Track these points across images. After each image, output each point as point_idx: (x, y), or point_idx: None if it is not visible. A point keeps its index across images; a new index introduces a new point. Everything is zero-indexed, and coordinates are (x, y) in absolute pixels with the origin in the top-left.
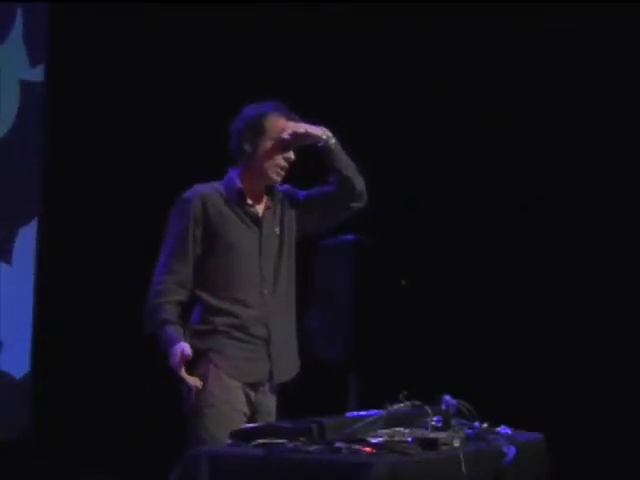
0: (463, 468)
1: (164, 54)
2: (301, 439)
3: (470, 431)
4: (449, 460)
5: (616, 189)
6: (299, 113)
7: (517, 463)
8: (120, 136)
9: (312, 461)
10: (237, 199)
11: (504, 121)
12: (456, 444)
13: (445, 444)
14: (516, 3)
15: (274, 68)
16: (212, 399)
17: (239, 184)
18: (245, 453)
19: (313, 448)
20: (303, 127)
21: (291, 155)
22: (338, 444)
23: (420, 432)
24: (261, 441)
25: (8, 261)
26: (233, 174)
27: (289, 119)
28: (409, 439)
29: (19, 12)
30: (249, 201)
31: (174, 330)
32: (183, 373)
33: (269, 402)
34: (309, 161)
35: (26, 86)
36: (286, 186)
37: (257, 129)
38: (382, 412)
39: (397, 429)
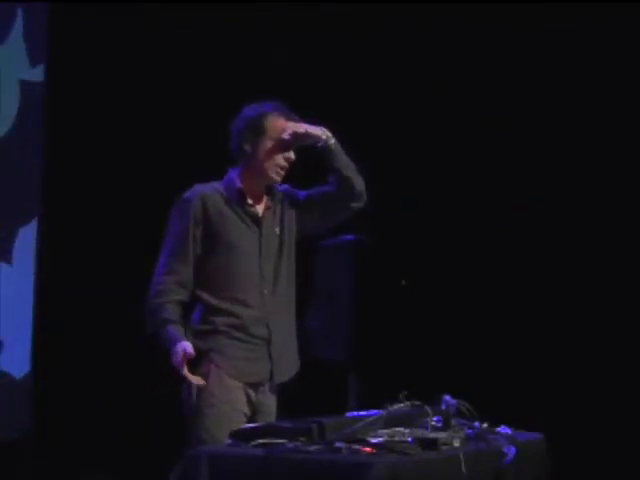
0: (463, 468)
1: (164, 54)
2: (301, 439)
3: (470, 431)
4: (449, 460)
5: (616, 189)
6: (299, 113)
7: (517, 463)
8: (120, 136)
9: (312, 461)
10: (237, 199)
11: (504, 121)
12: (456, 444)
13: (445, 444)
14: (516, 3)
15: (274, 68)
16: (213, 399)
17: (239, 184)
18: (245, 453)
19: (313, 448)
20: (303, 127)
21: (291, 155)
22: (338, 444)
23: (420, 432)
24: (261, 441)
25: (8, 261)
26: (233, 174)
27: (289, 119)
28: (409, 439)
29: (19, 12)
30: (249, 201)
31: (176, 329)
32: (185, 372)
33: (269, 402)
34: (309, 161)
35: (26, 86)
36: (285, 186)
37: (257, 129)
38: (382, 412)
39: (397, 429)
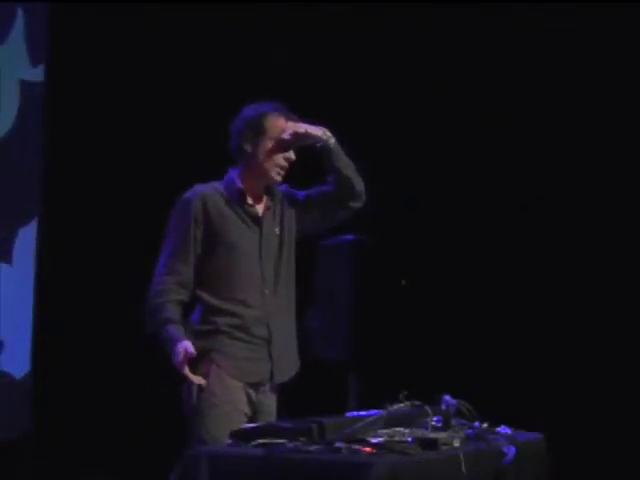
0: (463, 468)
1: (164, 54)
2: (301, 439)
3: (470, 431)
4: (449, 460)
5: (616, 189)
6: (299, 113)
7: (517, 463)
8: (120, 136)
9: (312, 461)
10: (238, 199)
11: (504, 121)
12: (456, 444)
13: (445, 444)
14: (516, 3)
15: (274, 68)
16: (214, 399)
17: (239, 184)
18: (245, 453)
19: (313, 448)
20: (303, 127)
21: (291, 155)
22: (338, 444)
23: (420, 432)
24: (261, 441)
25: (8, 261)
26: (233, 174)
27: (289, 119)
28: (409, 439)
29: (19, 12)
30: (249, 201)
31: (176, 329)
32: (186, 371)
33: (270, 402)
34: (309, 161)
35: (26, 86)
36: (285, 186)
37: (257, 129)
38: (382, 412)
39: (397, 429)
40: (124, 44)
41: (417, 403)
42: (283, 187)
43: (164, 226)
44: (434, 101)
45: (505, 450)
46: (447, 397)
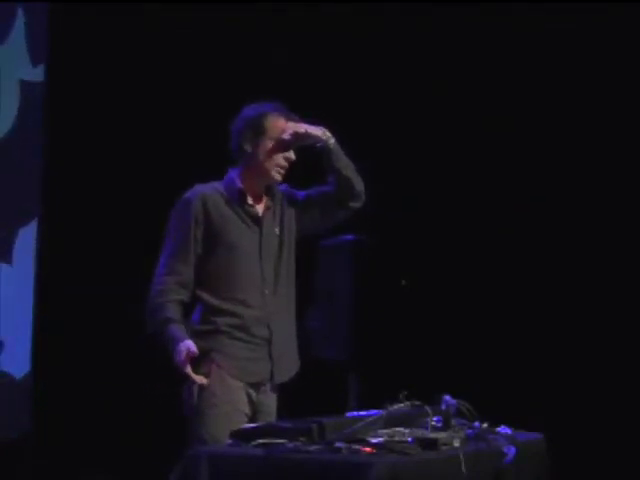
0: (463, 468)
1: (164, 54)
2: (301, 439)
3: (470, 431)
4: (449, 460)
5: (616, 189)
6: (299, 113)
7: (517, 463)
8: (120, 136)
9: (312, 461)
10: (238, 199)
11: (504, 121)
12: (456, 444)
13: (445, 444)
14: (516, 3)
15: (274, 68)
16: (214, 399)
17: (240, 184)
18: (245, 453)
19: (313, 448)
20: (303, 127)
21: (291, 155)
22: (338, 444)
23: (420, 432)
24: (261, 441)
25: (8, 261)
26: (233, 174)
27: (289, 119)
28: (409, 439)
29: (19, 12)
30: (250, 201)
31: (178, 328)
32: (188, 370)
33: (270, 402)
34: (309, 161)
35: (26, 86)
36: (284, 186)
37: (257, 129)
38: (382, 412)
39: (397, 429)
40: (124, 44)
41: (417, 403)
42: (283, 187)
43: (164, 226)
44: (434, 101)
45: (505, 450)
46: (447, 397)
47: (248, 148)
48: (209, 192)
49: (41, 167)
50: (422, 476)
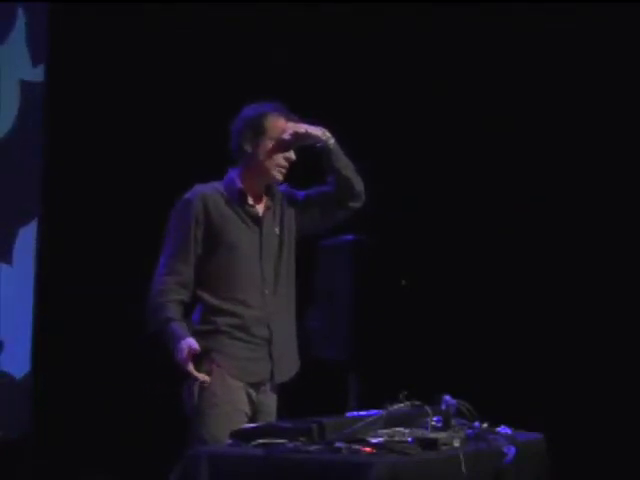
0: (463, 468)
1: (164, 54)
2: (301, 439)
3: (470, 431)
4: (449, 460)
5: (616, 189)
6: (299, 113)
7: (517, 463)
8: (120, 136)
9: (312, 461)
10: (238, 199)
11: (504, 121)
12: (456, 444)
13: (445, 444)
14: (516, 3)
15: (274, 68)
16: (215, 399)
17: (240, 184)
18: (245, 453)
19: (313, 448)
20: (303, 127)
21: (292, 155)
22: (338, 444)
23: (420, 432)
24: (261, 441)
25: (8, 261)
26: (233, 174)
27: (289, 119)
28: (409, 439)
29: (19, 12)
30: (250, 201)
31: (179, 326)
32: (190, 368)
33: (270, 402)
34: (309, 161)
35: (26, 86)
36: (284, 186)
37: (257, 129)
38: (382, 412)
39: (397, 429)
40: (124, 44)
41: (417, 403)
42: (283, 187)
43: (164, 226)
44: (434, 101)
45: (505, 450)
46: (447, 397)
47: (248, 148)
48: (209, 192)
49: (41, 167)
50: (422, 476)
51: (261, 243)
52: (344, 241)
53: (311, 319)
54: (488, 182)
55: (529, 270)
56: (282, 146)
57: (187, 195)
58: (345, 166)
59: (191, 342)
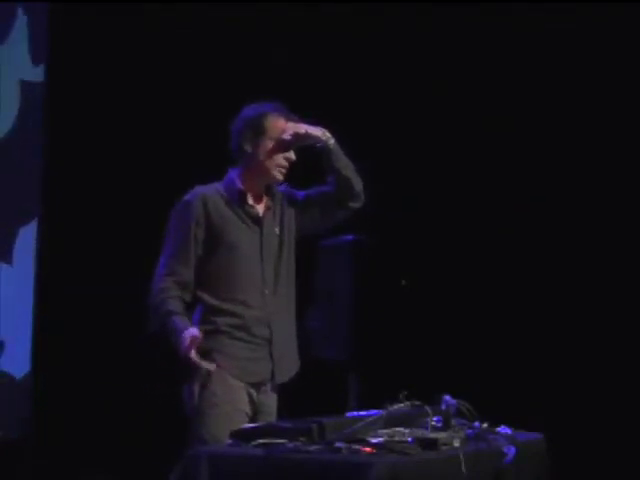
0: (463, 468)
1: (164, 54)
2: (301, 439)
3: (470, 431)
4: (449, 460)
5: (616, 189)
6: (299, 113)
7: (517, 463)
8: (120, 136)
9: (312, 461)
10: (238, 200)
11: (504, 121)
12: (456, 444)
13: (445, 444)
14: (516, 3)
15: (274, 68)
16: (215, 399)
17: (240, 185)
18: (245, 453)
19: (313, 448)
20: (303, 128)
21: (292, 155)
22: (338, 444)
23: (420, 432)
24: (261, 441)
25: (8, 261)
26: (233, 174)
27: (289, 119)
28: (409, 439)
29: (19, 12)
30: (250, 201)
31: (181, 320)
32: (193, 355)
33: (270, 402)
34: (309, 161)
35: (26, 86)
36: (284, 186)
37: (257, 129)
38: (382, 412)
39: (397, 429)
40: (124, 44)
41: (417, 403)
42: (282, 187)
43: (164, 226)
44: (434, 101)
45: (505, 450)
46: (447, 397)
47: (248, 148)
48: (209, 193)
49: (41, 167)
50: (422, 476)
51: (261, 243)
52: (344, 241)
53: (311, 319)
54: (488, 182)
55: (529, 270)
56: (282, 146)
57: (187, 196)
58: (345, 166)
59: (192, 331)
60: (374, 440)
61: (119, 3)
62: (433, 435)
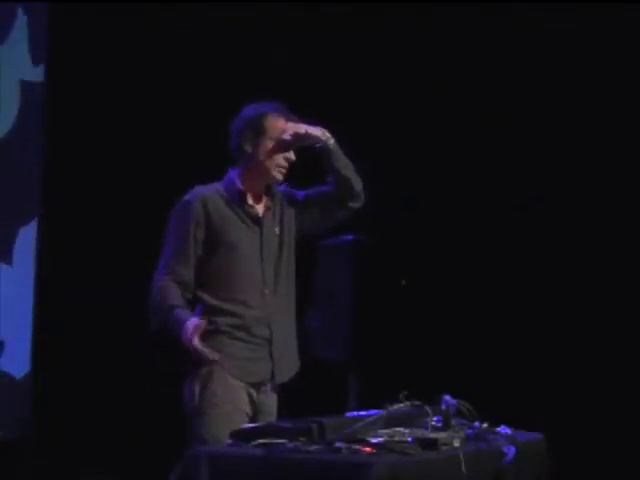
0: (463, 468)
1: (164, 54)
2: (301, 439)
3: (470, 431)
4: (449, 460)
5: (616, 189)
6: (299, 113)
7: (517, 463)
8: (120, 136)
9: (312, 461)
10: (238, 200)
11: (504, 121)
12: (456, 444)
13: (445, 444)
14: (516, 3)
15: (274, 68)
16: (215, 399)
17: (240, 185)
18: (245, 453)
19: (313, 448)
20: (303, 128)
21: (291, 155)
22: (338, 444)
23: (420, 432)
24: (261, 441)
25: (8, 261)
26: (233, 174)
27: (288, 119)
28: (409, 439)
29: (19, 12)
30: (250, 201)
31: (182, 312)
32: (197, 343)
33: (271, 402)
34: (309, 161)
35: (26, 86)
36: (284, 186)
37: (257, 129)
38: (382, 412)
39: (397, 429)
40: (124, 44)
41: (417, 403)
42: (282, 187)
43: (164, 227)
44: (434, 101)
45: (505, 450)
46: (447, 397)
47: (248, 148)
48: (209, 193)
49: (41, 167)
50: (422, 476)
51: (261, 243)
52: (344, 241)
53: (311, 319)
54: (488, 182)
55: (529, 270)
56: (282, 146)
57: (187, 197)
58: (345, 166)
59: (195, 320)
60: (374, 440)
61: (119, 3)
62: (433, 435)
